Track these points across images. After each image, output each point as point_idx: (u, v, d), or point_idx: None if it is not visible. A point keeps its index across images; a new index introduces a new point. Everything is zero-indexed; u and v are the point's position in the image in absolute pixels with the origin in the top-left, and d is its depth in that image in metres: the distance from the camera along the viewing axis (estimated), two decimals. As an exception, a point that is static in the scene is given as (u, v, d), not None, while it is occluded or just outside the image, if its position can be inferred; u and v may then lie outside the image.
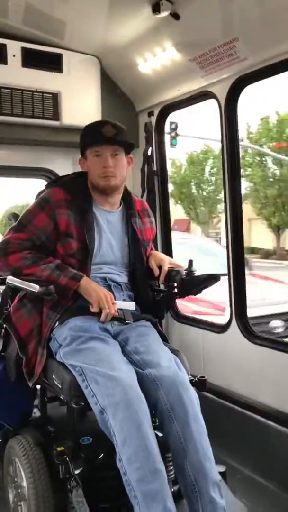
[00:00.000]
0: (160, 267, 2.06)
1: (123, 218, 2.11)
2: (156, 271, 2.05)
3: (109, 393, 1.63)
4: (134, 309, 1.99)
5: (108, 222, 2.06)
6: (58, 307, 1.92)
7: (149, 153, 3.25)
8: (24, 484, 1.94)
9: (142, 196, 3.28)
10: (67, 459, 1.81)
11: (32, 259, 1.91)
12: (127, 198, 2.14)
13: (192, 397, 1.73)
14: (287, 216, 21.79)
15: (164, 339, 2.04)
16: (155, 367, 1.77)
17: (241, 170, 2.82)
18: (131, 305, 1.98)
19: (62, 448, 1.86)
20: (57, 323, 1.92)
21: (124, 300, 2.01)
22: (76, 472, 1.78)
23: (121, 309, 1.93)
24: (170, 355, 1.87)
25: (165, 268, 2.04)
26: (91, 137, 2.01)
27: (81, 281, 1.86)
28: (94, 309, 1.84)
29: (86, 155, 2.03)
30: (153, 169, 3.26)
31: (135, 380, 1.70)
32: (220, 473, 1.81)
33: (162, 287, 2.26)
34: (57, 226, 1.94)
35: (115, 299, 1.94)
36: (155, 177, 3.27)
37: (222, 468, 1.88)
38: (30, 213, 2.00)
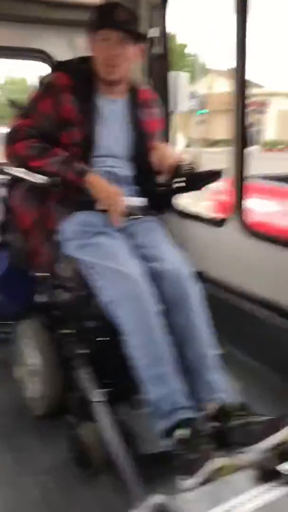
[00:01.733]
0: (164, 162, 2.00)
1: (128, 108, 2.03)
2: (160, 166, 1.99)
3: (116, 286, 1.69)
4: (143, 204, 1.99)
5: (112, 112, 1.98)
6: (64, 200, 1.92)
7: (152, 34, 3.03)
8: (34, 361, 2.09)
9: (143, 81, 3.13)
10: (73, 340, 1.94)
11: (38, 148, 1.86)
12: (133, 87, 2.05)
13: (195, 290, 1.81)
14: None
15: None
16: (160, 261, 1.82)
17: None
18: (140, 201, 1.97)
19: (68, 331, 1.98)
20: (63, 217, 1.93)
21: (129, 195, 1.99)
22: (81, 351, 1.91)
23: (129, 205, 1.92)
24: (175, 250, 1.92)
25: (169, 162, 1.97)
26: (100, 19, 1.88)
27: (88, 176, 1.83)
28: (102, 206, 1.83)
29: (93, 37, 1.90)
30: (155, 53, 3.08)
31: (142, 273, 1.75)
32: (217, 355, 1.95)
33: (163, 181, 2.24)
34: (60, 112, 1.88)
35: None
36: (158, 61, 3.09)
37: (219, 352, 2.02)
38: (34, 100, 1.94)
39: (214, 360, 1.77)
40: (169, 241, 1.97)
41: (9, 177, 2.26)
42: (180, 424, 1.57)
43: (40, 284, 2.27)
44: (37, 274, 2.03)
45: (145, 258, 1.84)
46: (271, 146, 23.30)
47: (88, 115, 1.90)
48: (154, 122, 2.11)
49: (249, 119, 2.66)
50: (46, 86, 1.93)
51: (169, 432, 1.58)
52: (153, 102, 2.14)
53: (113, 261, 1.74)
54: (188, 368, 1.73)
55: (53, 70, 2.08)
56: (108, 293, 1.72)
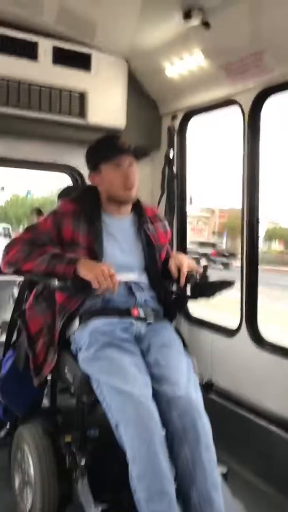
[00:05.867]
0: (179, 270, 2.06)
1: (134, 224, 2.15)
2: (175, 274, 2.05)
3: (121, 408, 1.64)
4: (135, 279, 2.02)
5: (120, 229, 2.10)
6: (62, 312, 1.97)
7: (170, 156, 3.30)
8: (31, 470, 2.01)
9: (161, 197, 3.34)
10: (74, 450, 1.88)
11: (27, 250, 1.93)
12: (137, 205, 2.18)
13: (205, 424, 1.71)
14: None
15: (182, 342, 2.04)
16: (172, 386, 1.75)
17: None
18: (130, 276, 2.00)
19: (70, 439, 1.92)
20: (76, 327, 1.95)
21: (145, 300, 2.04)
22: (82, 463, 1.84)
23: (131, 283, 1.99)
24: (190, 374, 1.85)
25: (184, 271, 2.04)
26: (109, 149, 2.06)
27: (78, 263, 1.84)
28: (94, 286, 1.79)
29: (101, 168, 2.06)
30: (173, 171, 3.32)
31: (148, 395, 1.68)
32: (222, 474, 1.85)
33: (175, 289, 2.31)
34: (60, 233, 2.00)
35: (136, 300, 1.99)
36: (175, 179, 3.32)
37: (223, 470, 1.91)
38: (38, 222, 2.09)
39: (220, 505, 1.62)
40: (184, 360, 1.90)
41: (22, 279, 2.36)
42: None
43: (45, 388, 2.26)
44: (40, 378, 2.01)
45: (157, 379, 1.78)
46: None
47: (94, 235, 2.00)
48: (161, 234, 2.20)
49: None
50: (51, 212, 2.08)
51: None
52: (159, 217, 2.26)
53: (120, 380, 1.68)
54: (191, 509, 1.60)
55: (60, 198, 2.25)
56: (114, 414, 1.65)
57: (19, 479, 2.16)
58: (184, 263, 2.08)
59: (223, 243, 35.12)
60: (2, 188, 31.58)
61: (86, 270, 1.82)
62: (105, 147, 2.09)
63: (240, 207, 2.81)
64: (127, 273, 2.01)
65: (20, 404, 2.27)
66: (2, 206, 35.02)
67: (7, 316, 2.79)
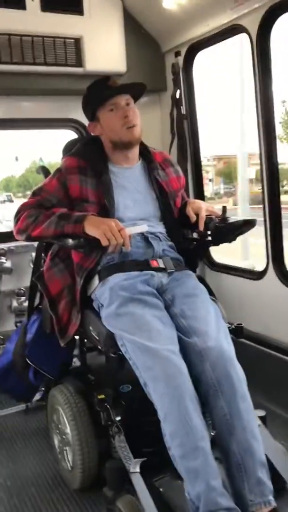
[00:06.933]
0: (197, 215, 1.98)
1: (145, 172, 2.04)
2: (193, 218, 1.97)
3: (148, 366, 1.58)
4: (146, 230, 1.90)
5: (130, 178, 2.00)
6: (80, 271, 1.91)
7: (177, 96, 3.12)
8: (68, 430, 2.02)
9: (172, 142, 3.19)
10: (108, 406, 1.86)
11: (35, 215, 1.86)
12: (144, 151, 2.06)
13: (239, 373, 1.64)
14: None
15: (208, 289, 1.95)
16: (202, 337, 1.66)
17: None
18: (142, 228, 1.88)
19: (103, 396, 1.90)
20: (96, 284, 1.89)
21: (164, 250, 1.96)
22: (117, 418, 1.82)
23: (147, 234, 1.90)
24: (219, 323, 1.76)
25: (203, 215, 1.96)
26: (101, 92, 1.94)
27: (85, 221, 1.76)
28: (103, 243, 1.72)
29: (98, 115, 1.97)
30: (182, 112, 3.15)
31: (175, 350, 1.61)
32: (260, 417, 1.80)
33: (195, 235, 2.21)
34: (68, 191, 1.91)
35: (154, 251, 1.91)
36: (185, 121, 3.15)
37: (262, 413, 1.86)
38: (43, 183, 1.99)
39: (261, 454, 1.56)
40: (211, 308, 1.80)
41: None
42: None
43: (73, 348, 2.23)
44: (66, 339, 1.97)
45: (185, 331, 1.70)
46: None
47: (104, 188, 1.91)
48: (173, 180, 2.09)
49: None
50: (56, 171, 1.98)
51: None
52: (170, 161, 2.15)
53: (144, 337, 1.61)
54: (232, 462, 1.55)
55: (64, 155, 2.13)
56: (142, 373, 1.59)
57: (57, 439, 2.17)
58: (202, 207, 2.00)
59: (221, 189, 34.94)
60: (16, 158, 31.49)
61: (92, 227, 1.74)
62: (96, 92, 1.97)
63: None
64: (139, 223, 1.91)
65: (50, 366, 2.25)
66: (23, 174, 35.14)
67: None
